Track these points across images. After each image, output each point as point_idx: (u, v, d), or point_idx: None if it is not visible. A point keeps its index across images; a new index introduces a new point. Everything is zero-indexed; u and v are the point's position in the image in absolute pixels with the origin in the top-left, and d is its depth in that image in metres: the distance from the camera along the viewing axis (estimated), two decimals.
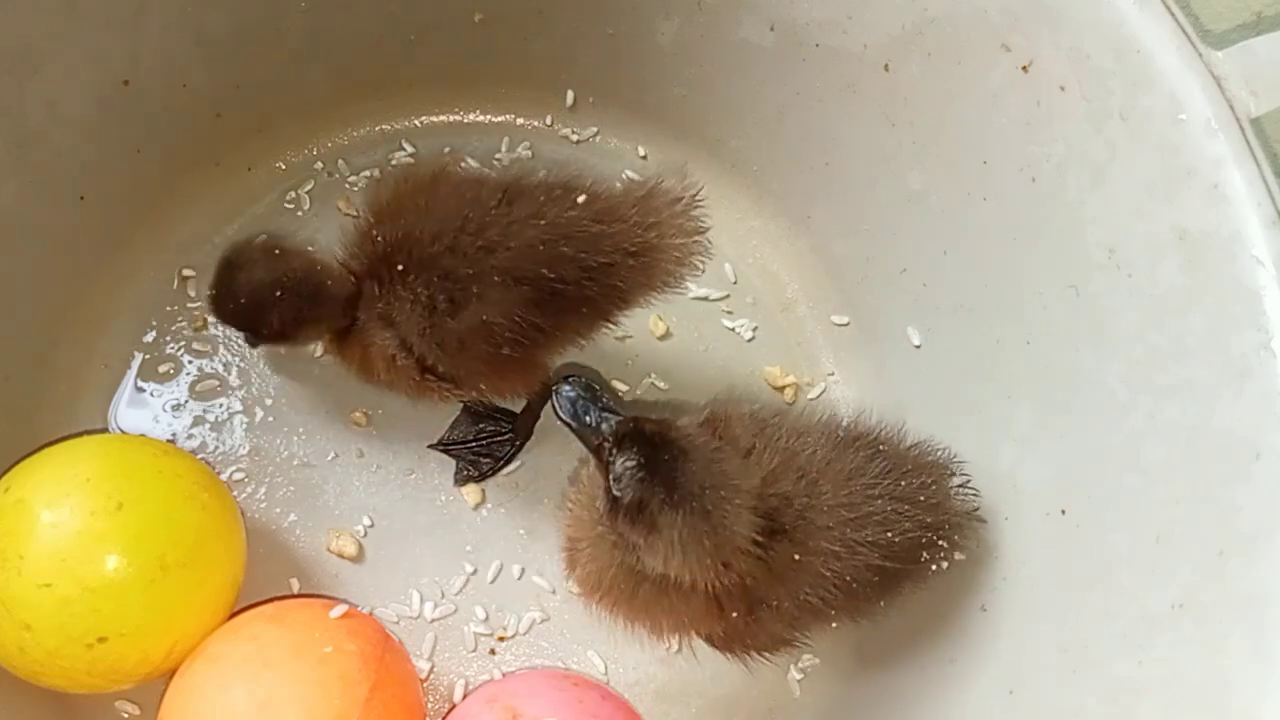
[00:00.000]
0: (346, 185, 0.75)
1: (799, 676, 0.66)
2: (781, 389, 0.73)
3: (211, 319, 0.70)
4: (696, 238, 0.58)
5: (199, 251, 0.72)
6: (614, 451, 0.50)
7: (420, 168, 0.60)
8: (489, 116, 0.77)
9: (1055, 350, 0.58)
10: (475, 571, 0.67)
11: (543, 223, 0.56)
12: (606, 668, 0.66)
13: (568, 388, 0.53)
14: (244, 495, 0.68)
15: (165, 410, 0.69)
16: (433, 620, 0.66)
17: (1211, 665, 0.46)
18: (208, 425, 0.69)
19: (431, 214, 0.57)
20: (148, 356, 0.70)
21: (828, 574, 0.53)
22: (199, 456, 0.67)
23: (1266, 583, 0.45)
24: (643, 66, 0.73)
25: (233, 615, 0.60)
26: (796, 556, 0.52)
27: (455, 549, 0.68)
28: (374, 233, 0.58)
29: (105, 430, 0.68)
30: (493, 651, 0.66)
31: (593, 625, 0.65)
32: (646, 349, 0.73)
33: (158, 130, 0.68)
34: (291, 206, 0.74)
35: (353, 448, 0.69)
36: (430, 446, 0.70)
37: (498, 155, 0.77)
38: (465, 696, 0.63)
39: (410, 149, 0.76)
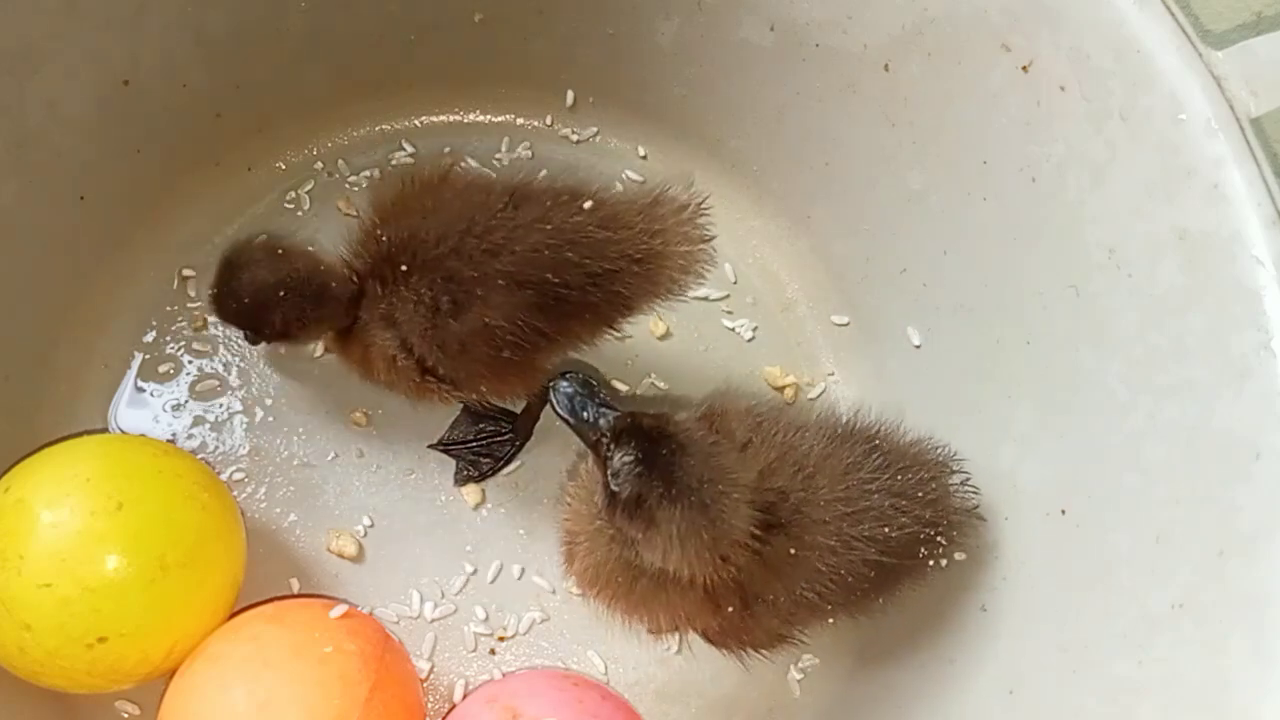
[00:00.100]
0: (346, 185, 0.75)
1: (799, 676, 0.66)
2: (781, 389, 0.73)
3: (212, 319, 0.70)
4: (702, 245, 0.58)
5: (199, 251, 0.72)
6: (612, 446, 0.50)
7: (426, 169, 0.60)
8: (489, 116, 0.77)
9: (1055, 350, 0.58)
10: (475, 571, 0.67)
11: (548, 227, 0.56)
12: (606, 668, 0.66)
13: (565, 383, 0.53)
14: (244, 495, 0.68)
15: (165, 410, 0.69)
16: (433, 620, 0.66)
17: (1211, 665, 0.46)
18: (208, 425, 0.69)
19: (437, 215, 0.57)
20: (148, 356, 0.70)
21: (824, 569, 0.53)
22: (199, 456, 0.67)
23: (1266, 583, 0.45)
24: (643, 66, 0.73)
25: (233, 615, 0.60)
26: (793, 551, 0.52)
27: (455, 549, 0.68)
28: (378, 232, 0.58)
29: (105, 430, 0.68)
30: (493, 651, 0.66)
31: (593, 625, 0.65)
32: (646, 349, 0.73)
33: (158, 130, 0.68)
34: (291, 206, 0.74)
35: (353, 448, 0.69)
36: (430, 446, 0.70)
37: (498, 155, 0.77)
38: (465, 696, 0.63)
39: (410, 149, 0.76)
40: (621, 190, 0.63)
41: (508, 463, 0.69)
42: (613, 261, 0.57)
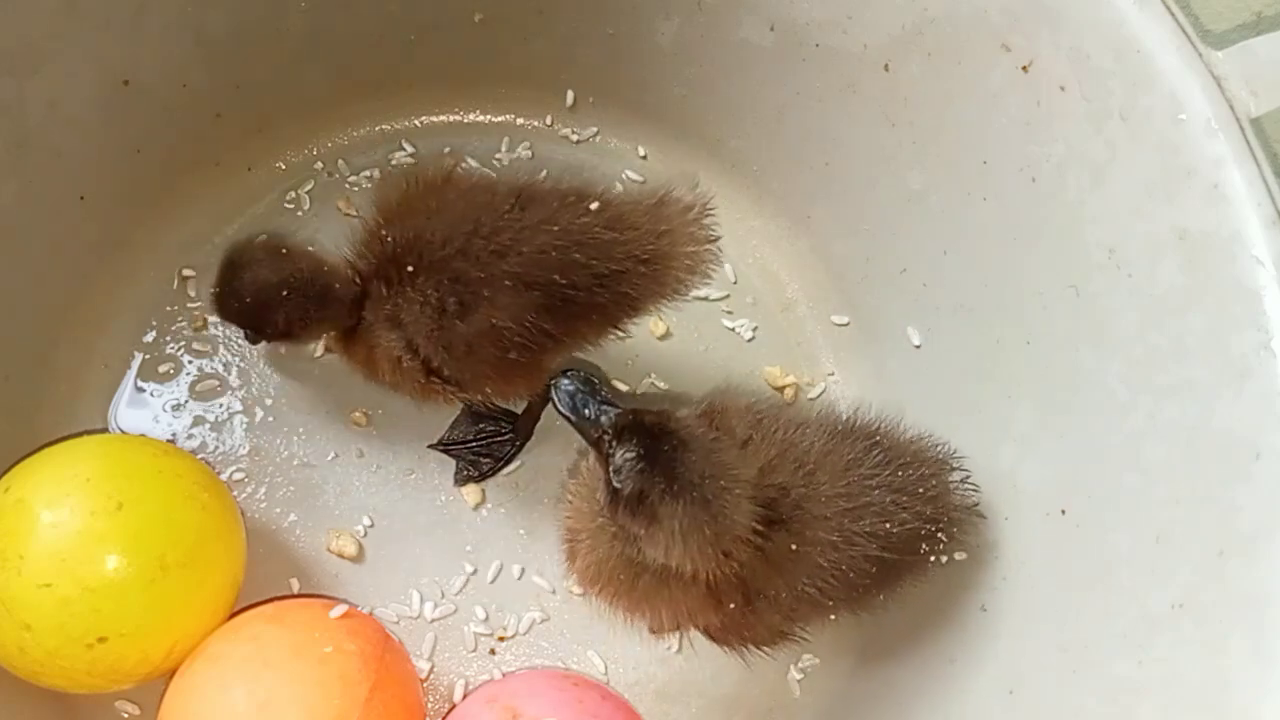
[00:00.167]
0: (346, 185, 0.75)
1: (799, 676, 0.66)
2: (781, 389, 0.73)
3: (212, 319, 0.70)
4: (707, 246, 0.58)
5: (199, 251, 0.72)
6: (613, 443, 0.50)
7: (429, 169, 0.60)
8: (489, 116, 0.77)
9: (1055, 350, 0.58)
10: (475, 571, 0.67)
11: (555, 229, 0.56)
12: (606, 668, 0.66)
13: (566, 381, 0.53)
14: (244, 495, 0.68)
15: (165, 410, 0.69)
16: (433, 620, 0.66)
17: (1211, 665, 0.46)
18: (208, 425, 0.69)
19: (442, 216, 0.57)
20: (148, 356, 0.70)
21: (825, 564, 0.53)
22: (199, 456, 0.67)
23: (1266, 583, 0.45)
24: (643, 66, 0.73)
25: (233, 615, 0.60)
26: (794, 547, 0.52)
27: (455, 549, 0.68)
28: (383, 233, 0.58)
29: (105, 430, 0.68)
30: (493, 651, 0.66)
31: (593, 625, 0.65)
32: (647, 349, 0.73)
33: (158, 130, 0.68)
34: (291, 206, 0.74)
35: (353, 448, 0.69)
36: (430, 446, 0.70)
37: (498, 155, 0.77)
38: (465, 696, 0.63)
39: (410, 149, 0.76)
40: (627, 191, 0.63)
41: (508, 463, 0.69)
42: (619, 262, 0.57)
